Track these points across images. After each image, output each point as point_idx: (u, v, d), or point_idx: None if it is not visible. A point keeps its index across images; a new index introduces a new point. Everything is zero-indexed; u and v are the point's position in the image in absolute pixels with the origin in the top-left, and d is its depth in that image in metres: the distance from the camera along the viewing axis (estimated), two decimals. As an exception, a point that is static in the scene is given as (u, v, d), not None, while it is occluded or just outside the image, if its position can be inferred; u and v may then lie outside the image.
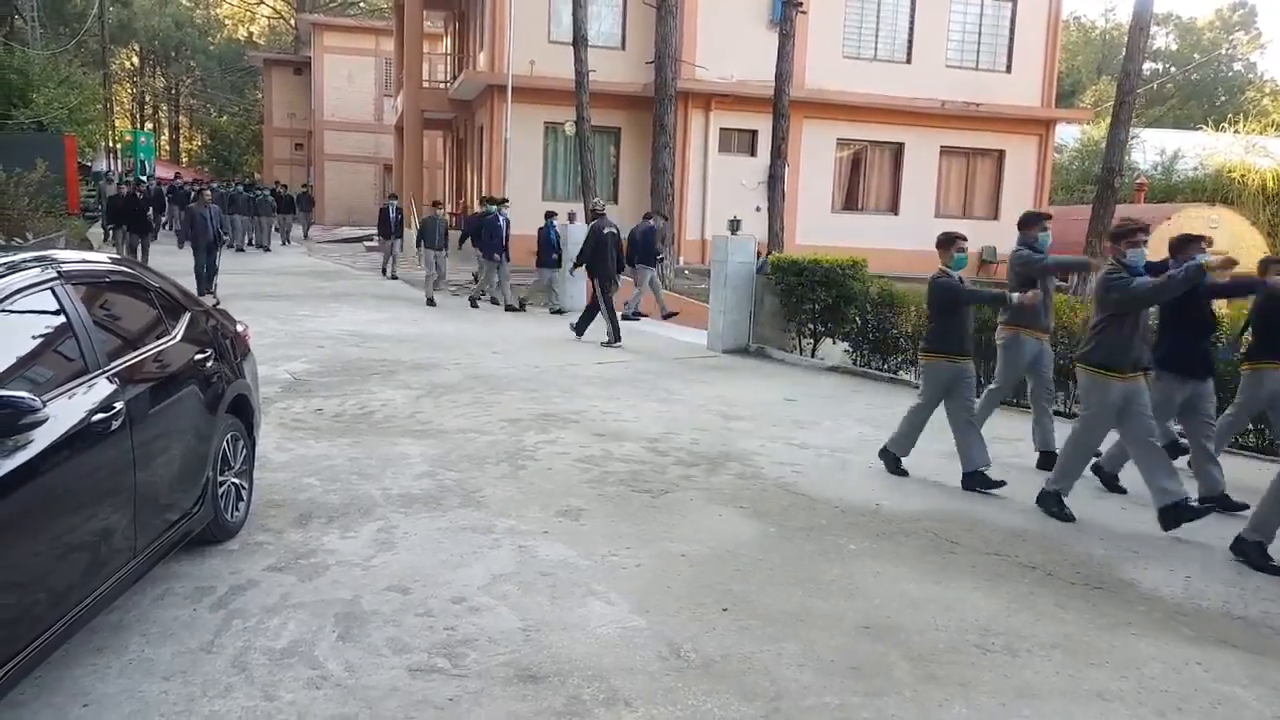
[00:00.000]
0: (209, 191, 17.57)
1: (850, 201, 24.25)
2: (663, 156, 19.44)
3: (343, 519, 5.11)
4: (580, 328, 12.68)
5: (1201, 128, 34.51)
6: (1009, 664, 3.79)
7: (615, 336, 12.20)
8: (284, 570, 4.40)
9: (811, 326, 11.59)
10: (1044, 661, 3.82)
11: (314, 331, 12.08)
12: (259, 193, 28.12)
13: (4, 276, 3.24)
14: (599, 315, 12.46)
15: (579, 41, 19.05)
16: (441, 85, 29.29)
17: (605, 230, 12.84)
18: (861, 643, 3.91)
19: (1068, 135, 32.73)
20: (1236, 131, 31.14)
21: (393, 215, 20.68)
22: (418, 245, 17.90)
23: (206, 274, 14.87)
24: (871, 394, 9.50)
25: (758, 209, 21.04)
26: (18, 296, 3.24)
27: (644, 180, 21.33)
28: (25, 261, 3.45)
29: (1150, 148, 32.85)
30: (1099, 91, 48.87)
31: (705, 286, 12.95)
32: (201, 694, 3.30)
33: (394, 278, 20.15)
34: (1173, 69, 57.12)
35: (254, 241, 26.64)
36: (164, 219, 27.40)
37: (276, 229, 28.16)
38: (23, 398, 2.82)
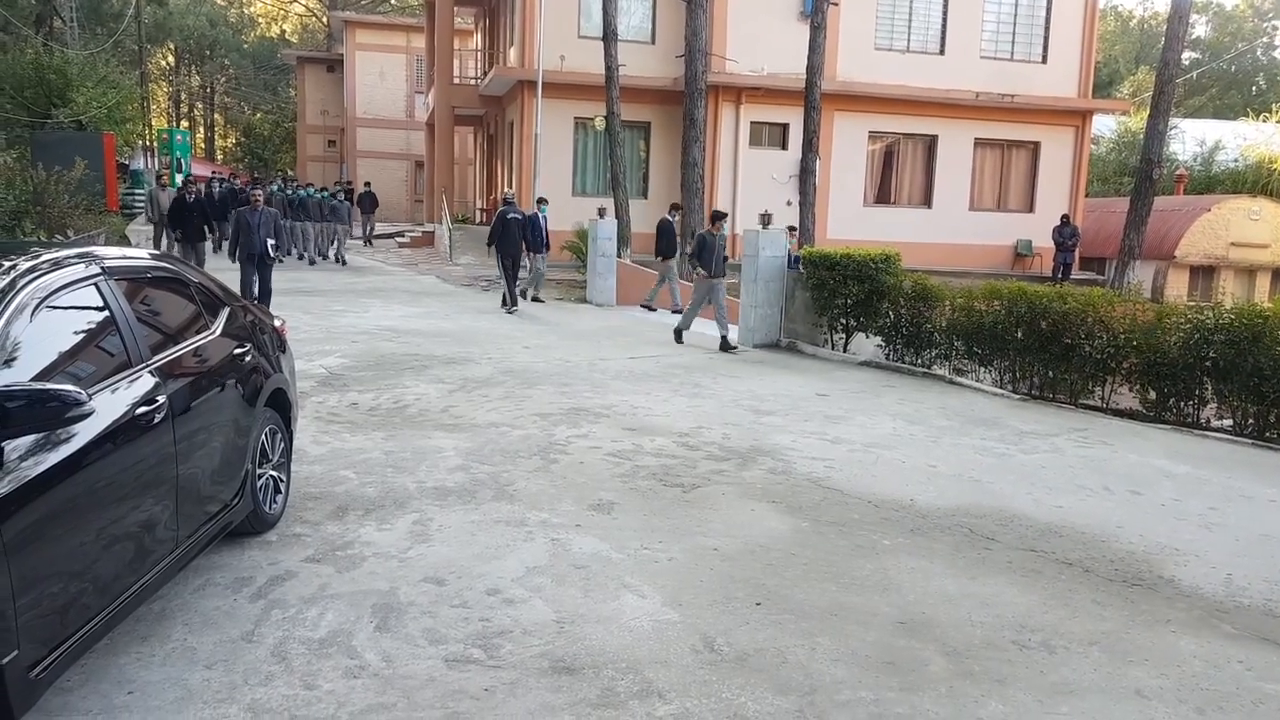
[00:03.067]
0: (258, 193, 14.19)
1: (883, 195, 24.09)
2: (693, 150, 19.39)
3: (379, 511, 5.17)
4: (512, 303, 14.74)
5: (1242, 118, 33.86)
6: (1046, 661, 3.76)
7: (512, 303, 14.61)
8: (321, 561, 4.46)
9: (843, 321, 11.52)
10: (1082, 658, 3.79)
11: (348, 327, 12.20)
12: (326, 194, 23.78)
13: (49, 273, 3.29)
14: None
15: (609, 36, 19.06)
16: (472, 81, 29.44)
17: (509, 216, 14.94)
18: (896, 638, 3.90)
19: (1104, 126, 32.27)
20: (1279, 122, 30.53)
21: (543, 223, 16.46)
22: (693, 266, 12.66)
23: (258, 294, 12.80)
24: (904, 389, 9.43)
25: (789, 203, 20.97)
26: (63, 292, 3.30)
27: (674, 174, 21.32)
28: (69, 258, 3.50)
29: (1190, 138, 32.34)
30: (1137, 82, 48.08)
31: (736, 280, 12.97)
32: (243, 682, 3.35)
33: (538, 299, 16.55)
34: (1210, 58, 56.05)
35: (323, 253, 22.62)
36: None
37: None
38: (69, 391, 2.87)
